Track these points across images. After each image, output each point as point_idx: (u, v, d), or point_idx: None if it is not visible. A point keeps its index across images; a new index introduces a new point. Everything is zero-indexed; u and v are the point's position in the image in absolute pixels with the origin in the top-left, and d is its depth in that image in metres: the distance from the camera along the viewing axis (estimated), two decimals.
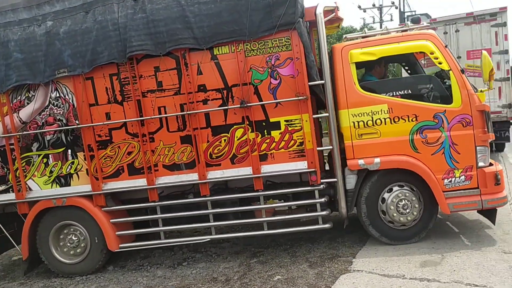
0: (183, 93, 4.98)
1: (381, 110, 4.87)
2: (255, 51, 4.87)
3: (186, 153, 5.09)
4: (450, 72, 4.82)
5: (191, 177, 5.08)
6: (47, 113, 5.28)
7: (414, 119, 4.82)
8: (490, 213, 5.01)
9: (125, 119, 5.10)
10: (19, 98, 5.31)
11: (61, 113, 5.25)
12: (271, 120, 4.93)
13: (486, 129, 4.77)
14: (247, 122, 4.92)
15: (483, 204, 4.78)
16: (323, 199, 4.98)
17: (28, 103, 5.30)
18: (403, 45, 4.95)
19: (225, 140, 5.00)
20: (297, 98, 4.81)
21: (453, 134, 4.77)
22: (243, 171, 5.01)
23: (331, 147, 4.99)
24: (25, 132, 5.31)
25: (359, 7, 37.65)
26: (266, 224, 5.15)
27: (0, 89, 5.21)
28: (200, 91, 4.98)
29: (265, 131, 4.95)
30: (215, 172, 5.06)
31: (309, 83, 4.81)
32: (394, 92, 4.99)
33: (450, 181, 4.82)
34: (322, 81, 4.86)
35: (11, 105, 5.31)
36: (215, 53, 4.92)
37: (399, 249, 4.92)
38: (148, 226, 5.41)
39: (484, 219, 5.34)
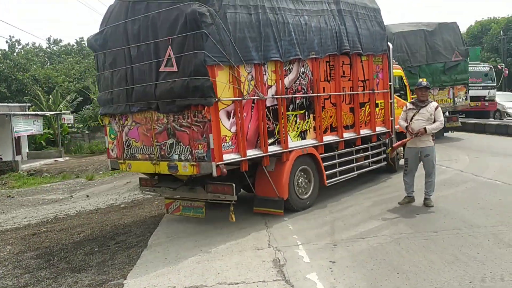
0: (351, 80, 7.96)
1: (395, 101, 9.36)
2: (374, 61, 8.53)
3: (351, 118, 8.00)
4: (406, 86, 10.38)
5: (351, 134, 8.00)
6: (298, 83, 6.89)
7: (400, 107, 8.73)
8: None
9: (330, 92, 7.53)
10: (285, 68, 6.62)
11: (304, 84, 7.01)
12: (376, 101, 8.64)
13: None
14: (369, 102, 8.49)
15: None
16: (385, 147, 8.91)
17: (288, 73, 6.70)
18: (399, 71, 10.16)
19: (363, 111, 8.29)
20: (386, 90, 8.98)
21: None
22: (368, 131, 8.50)
23: (392, 118, 9.00)
24: (292, 95, 6.78)
25: None
26: (370, 163, 8.82)
27: (283, 58, 6.45)
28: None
29: (374, 108, 8.58)
30: (361, 130, 8.25)
31: (389, 83, 9.05)
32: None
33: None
34: (391, 83, 9.12)
35: (280, 73, 6.52)
36: (362, 59, 8.18)
37: (170, 262, 5.15)
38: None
39: None
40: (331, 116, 7.48)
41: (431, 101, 6.74)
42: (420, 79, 7.16)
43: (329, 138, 7.44)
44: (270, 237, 5.70)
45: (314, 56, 6.98)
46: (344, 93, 7.70)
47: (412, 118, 6.61)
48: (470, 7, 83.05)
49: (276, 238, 5.63)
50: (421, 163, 6.70)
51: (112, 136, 6.91)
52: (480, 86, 21.06)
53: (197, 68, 5.44)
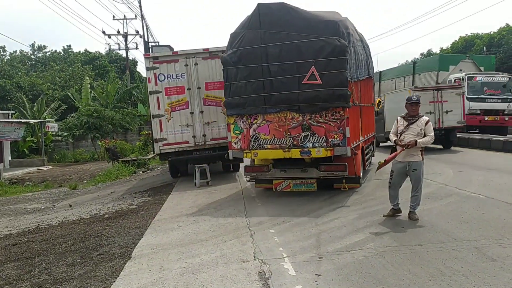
0: (365, 95, 10.56)
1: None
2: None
3: (367, 123, 10.75)
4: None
5: (369, 134, 11.06)
6: (358, 96, 9.44)
7: None
8: None
9: (364, 103, 10.21)
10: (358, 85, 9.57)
11: (359, 96, 9.55)
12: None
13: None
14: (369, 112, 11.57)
15: None
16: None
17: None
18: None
19: (370, 118, 11.53)
20: (373, 104, 12.23)
21: None
22: (372, 133, 11.55)
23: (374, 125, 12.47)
24: (361, 104, 9.88)
25: (104, 32, 37.24)
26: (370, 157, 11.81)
27: (360, 78, 9.51)
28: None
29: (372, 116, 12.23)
30: (371, 132, 11.50)
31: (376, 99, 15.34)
32: None
33: None
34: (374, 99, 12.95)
35: (357, 88, 9.49)
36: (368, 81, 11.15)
37: (154, 274, 5.08)
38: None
39: None
40: (362, 121, 9.99)
41: (422, 116, 6.74)
42: (411, 94, 7.25)
43: (365, 136, 10.13)
44: (255, 249, 5.67)
45: (366, 77, 10.03)
46: (367, 104, 10.65)
47: (402, 132, 6.66)
48: (454, 22, 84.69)
49: (262, 250, 5.61)
50: (407, 177, 6.76)
51: (237, 132, 8.79)
52: (499, 98, 19.18)
53: (342, 82, 8.00)
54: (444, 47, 54.36)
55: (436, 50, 56.71)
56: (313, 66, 7.94)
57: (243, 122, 8.68)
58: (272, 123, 8.39)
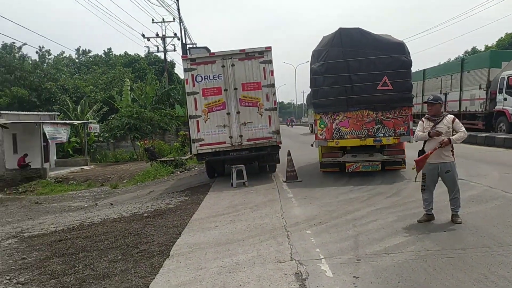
0: None
1: None
2: None
3: None
4: None
5: None
6: None
7: None
8: None
9: None
10: None
11: None
12: None
13: None
14: None
15: None
16: None
17: None
18: None
19: None
20: None
21: None
22: None
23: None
24: None
25: (143, 35, 38.11)
26: None
27: None
28: None
29: None
30: None
31: None
32: None
33: None
34: None
35: None
36: None
37: (192, 272, 5.21)
38: None
39: None
40: None
41: (446, 114, 6.59)
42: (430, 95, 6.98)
43: None
44: (292, 250, 5.65)
45: None
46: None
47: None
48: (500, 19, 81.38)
49: (299, 251, 5.57)
50: (440, 178, 6.53)
51: (322, 126, 10.86)
52: None
53: (408, 88, 10.65)
54: (489, 44, 52.29)
55: (481, 47, 54.63)
56: (385, 76, 10.33)
57: (327, 118, 10.81)
58: (351, 119, 10.67)
